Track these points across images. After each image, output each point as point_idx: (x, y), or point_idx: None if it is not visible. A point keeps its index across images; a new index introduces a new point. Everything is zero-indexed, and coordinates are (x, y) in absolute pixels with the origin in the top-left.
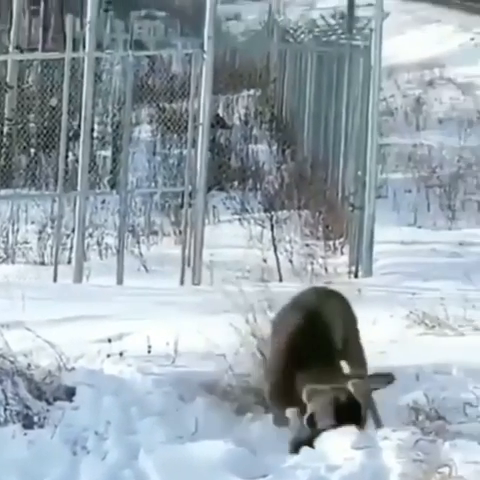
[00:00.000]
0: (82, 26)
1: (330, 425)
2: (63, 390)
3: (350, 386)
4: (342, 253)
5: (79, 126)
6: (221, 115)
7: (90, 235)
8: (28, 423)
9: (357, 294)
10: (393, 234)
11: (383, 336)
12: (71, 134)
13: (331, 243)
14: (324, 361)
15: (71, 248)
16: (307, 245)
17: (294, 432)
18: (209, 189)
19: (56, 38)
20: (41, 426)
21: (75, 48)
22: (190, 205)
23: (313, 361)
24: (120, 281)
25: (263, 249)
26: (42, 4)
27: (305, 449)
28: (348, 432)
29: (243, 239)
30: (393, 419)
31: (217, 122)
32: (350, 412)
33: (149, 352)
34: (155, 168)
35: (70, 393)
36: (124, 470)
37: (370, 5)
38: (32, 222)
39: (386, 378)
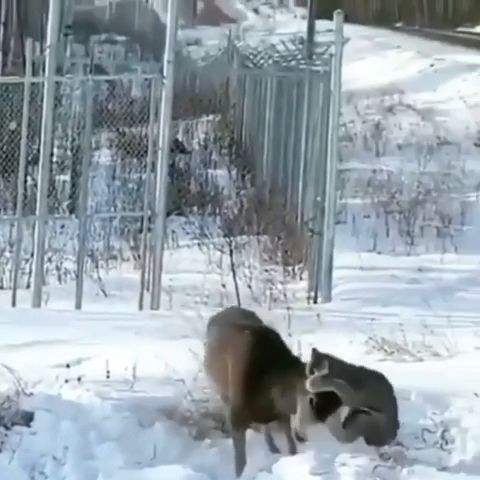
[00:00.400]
0: (42, 50)
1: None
2: (21, 415)
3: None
4: (301, 278)
5: (38, 150)
6: (181, 140)
7: (49, 259)
8: None
9: (316, 320)
10: (352, 259)
11: None
12: (30, 158)
13: (290, 268)
14: (284, 366)
15: (30, 272)
16: (266, 270)
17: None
18: (168, 214)
19: (16, 62)
20: None
21: (35, 72)
22: (149, 230)
23: (274, 369)
24: (79, 306)
25: (222, 274)
26: (1, 28)
27: (262, 474)
28: (306, 458)
29: (202, 264)
30: (351, 445)
31: (177, 147)
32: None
33: (108, 377)
34: (114, 192)
35: (28, 418)
36: None
37: (330, 31)
38: None
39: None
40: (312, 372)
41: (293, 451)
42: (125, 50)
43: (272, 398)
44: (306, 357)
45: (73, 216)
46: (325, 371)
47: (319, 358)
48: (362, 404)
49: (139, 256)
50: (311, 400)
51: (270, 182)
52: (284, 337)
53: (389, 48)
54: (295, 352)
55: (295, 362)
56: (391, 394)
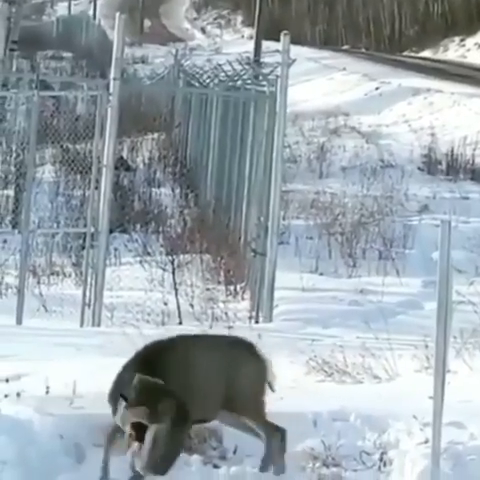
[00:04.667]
0: None
1: None
2: None
3: None
4: (243, 298)
5: None
6: (125, 157)
7: None
8: None
9: (257, 339)
10: (294, 280)
11: (282, 382)
12: None
13: (232, 288)
14: None
15: None
16: (208, 289)
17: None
18: (111, 231)
19: None
20: None
21: None
22: (92, 246)
23: None
24: (19, 321)
25: (164, 292)
26: None
27: None
28: (244, 477)
29: (144, 282)
30: (290, 465)
31: (121, 164)
32: None
33: (47, 393)
34: (57, 208)
35: None
36: None
37: (277, 51)
38: None
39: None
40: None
41: None
42: (71, 66)
43: None
44: None
45: (16, 231)
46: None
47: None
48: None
49: (81, 272)
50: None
51: (214, 202)
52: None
53: (335, 70)
54: None
55: None
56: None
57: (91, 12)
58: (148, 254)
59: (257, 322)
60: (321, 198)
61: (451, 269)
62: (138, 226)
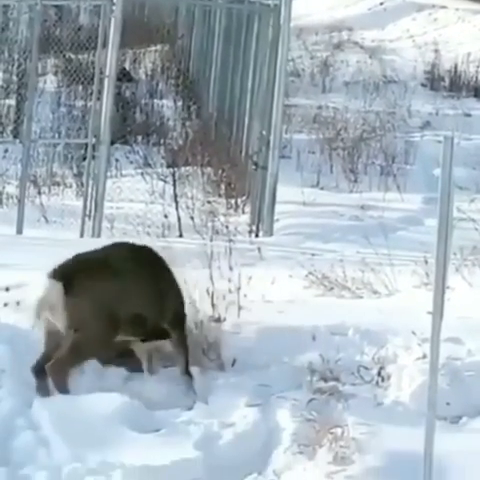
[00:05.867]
0: None
1: None
2: None
3: None
4: (244, 212)
5: None
6: (128, 69)
7: None
8: None
9: (257, 253)
10: (295, 195)
11: (281, 296)
12: None
13: (233, 201)
14: None
15: None
16: (209, 202)
17: None
18: (113, 142)
19: None
20: None
21: None
22: (93, 157)
23: None
24: (20, 231)
25: (164, 204)
26: None
27: (198, 405)
28: (243, 389)
29: (145, 194)
30: (288, 379)
31: (123, 75)
32: None
33: None
34: (59, 119)
35: None
36: (17, 419)
37: None
38: None
39: None
40: None
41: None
42: None
43: None
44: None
45: (17, 141)
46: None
47: None
48: None
49: (82, 183)
50: None
51: (216, 114)
52: (225, 269)
53: None
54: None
55: None
56: None
57: None
58: (149, 166)
59: (257, 236)
60: (323, 113)
61: (452, 186)
62: (139, 138)
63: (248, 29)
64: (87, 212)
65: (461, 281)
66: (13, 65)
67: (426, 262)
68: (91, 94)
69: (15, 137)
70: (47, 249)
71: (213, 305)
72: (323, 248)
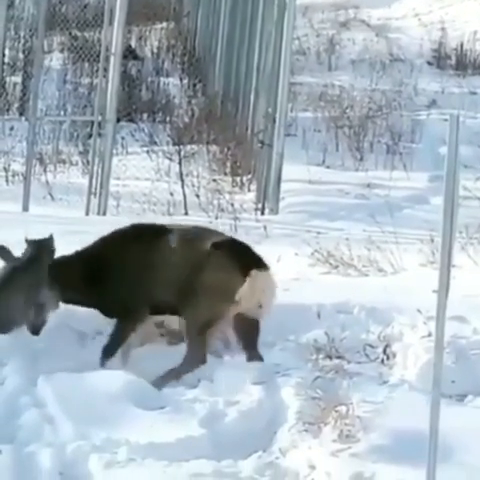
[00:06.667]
0: None
1: None
2: None
3: None
4: (249, 190)
5: None
6: (133, 46)
7: None
8: None
9: (263, 231)
10: (301, 173)
11: (287, 273)
12: None
13: (239, 179)
14: None
15: None
16: (214, 180)
17: None
18: (118, 120)
19: None
20: None
21: None
22: (99, 135)
23: None
24: (26, 208)
25: (170, 182)
26: None
27: (203, 383)
28: (248, 367)
29: (151, 171)
30: (293, 356)
31: (129, 53)
32: None
33: None
34: (65, 96)
35: None
36: (22, 397)
37: None
38: None
39: None
40: None
41: None
42: None
43: None
44: None
45: (23, 118)
46: None
47: None
48: None
49: (88, 161)
50: None
51: (222, 92)
52: None
53: None
54: None
55: None
56: None
57: None
58: (155, 144)
59: (263, 214)
60: (329, 91)
61: (458, 164)
62: (145, 115)
63: (254, 7)
64: (93, 190)
65: (467, 259)
66: (19, 42)
67: (432, 240)
68: (97, 71)
69: (21, 114)
70: (53, 227)
71: None
72: (329, 226)
